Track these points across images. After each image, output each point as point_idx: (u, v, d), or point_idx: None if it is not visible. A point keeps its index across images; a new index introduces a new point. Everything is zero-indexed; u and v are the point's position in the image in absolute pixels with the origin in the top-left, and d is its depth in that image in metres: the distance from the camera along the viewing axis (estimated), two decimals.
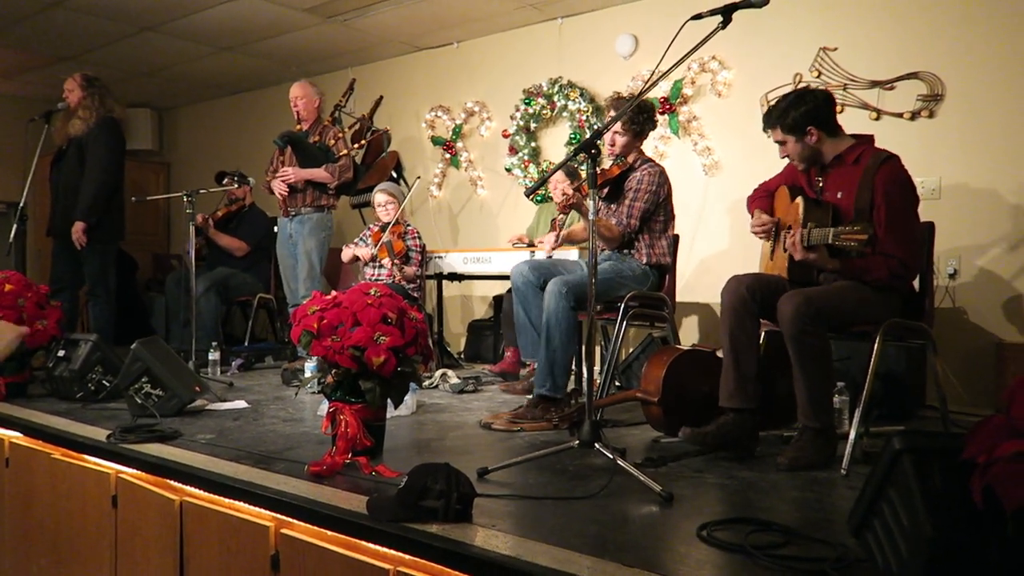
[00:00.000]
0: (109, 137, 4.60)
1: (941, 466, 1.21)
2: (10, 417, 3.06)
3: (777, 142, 2.67)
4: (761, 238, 2.84)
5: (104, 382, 3.42)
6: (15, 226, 4.55)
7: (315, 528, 1.89)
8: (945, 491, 1.17)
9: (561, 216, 4.53)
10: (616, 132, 3.35)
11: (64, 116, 4.69)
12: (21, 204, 4.67)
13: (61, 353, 3.52)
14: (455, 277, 4.95)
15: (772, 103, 2.75)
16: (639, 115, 3.35)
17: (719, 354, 2.68)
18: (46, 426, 2.88)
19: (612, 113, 3.31)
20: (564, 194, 3.16)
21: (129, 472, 2.45)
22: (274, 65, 6.65)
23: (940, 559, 1.14)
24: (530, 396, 3.18)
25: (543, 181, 2.31)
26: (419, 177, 5.25)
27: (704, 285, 4.74)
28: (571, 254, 3.91)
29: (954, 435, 1.27)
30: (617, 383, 3.96)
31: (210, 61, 6.55)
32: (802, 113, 2.58)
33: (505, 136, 5.66)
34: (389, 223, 4.61)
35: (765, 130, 2.71)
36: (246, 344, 5.35)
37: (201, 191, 4.33)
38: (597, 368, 4.06)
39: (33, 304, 3.62)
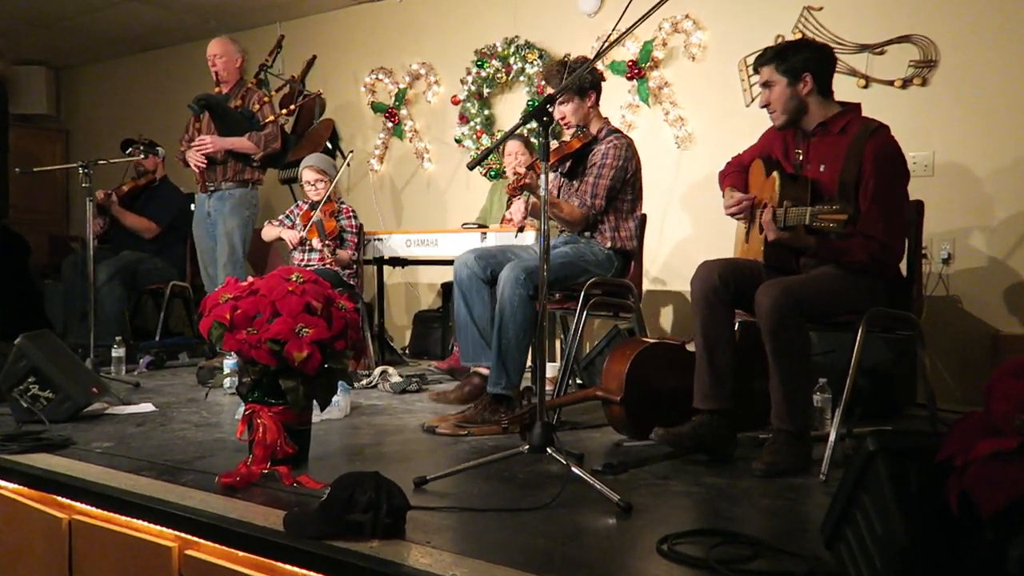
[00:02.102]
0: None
1: (918, 469, 1.23)
2: None
3: (763, 84, 2.69)
4: (739, 219, 2.86)
5: None
6: None
7: (225, 548, 1.86)
8: (921, 496, 1.19)
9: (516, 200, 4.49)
10: (559, 103, 3.35)
11: None
12: None
13: None
14: (398, 262, 4.92)
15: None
16: (575, 72, 3.32)
17: (690, 347, 2.70)
18: None
19: (548, 86, 3.30)
20: (515, 173, 3.14)
21: (9, 487, 2.38)
22: (190, 18, 6.53)
23: (914, 570, 1.16)
24: (464, 407, 3.18)
25: (487, 153, 2.30)
26: (352, 151, 5.20)
27: (675, 271, 4.78)
28: (527, 238, 3.90)
29: (933, 434, 1.29)
30: (579, 380, 3.98)
31: (115, 12, 6.40)
32: (803, 58, 2.61)
33: (455, 103, 5.63)
34: (319, 202, 4.56)
35: (756, 69, 2.73)
36: (157, 339, 5.25)
37: (101, 162, 4.23)
38: (556, 364, 4.07)
39: None
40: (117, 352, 4.30)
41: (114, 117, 7.62)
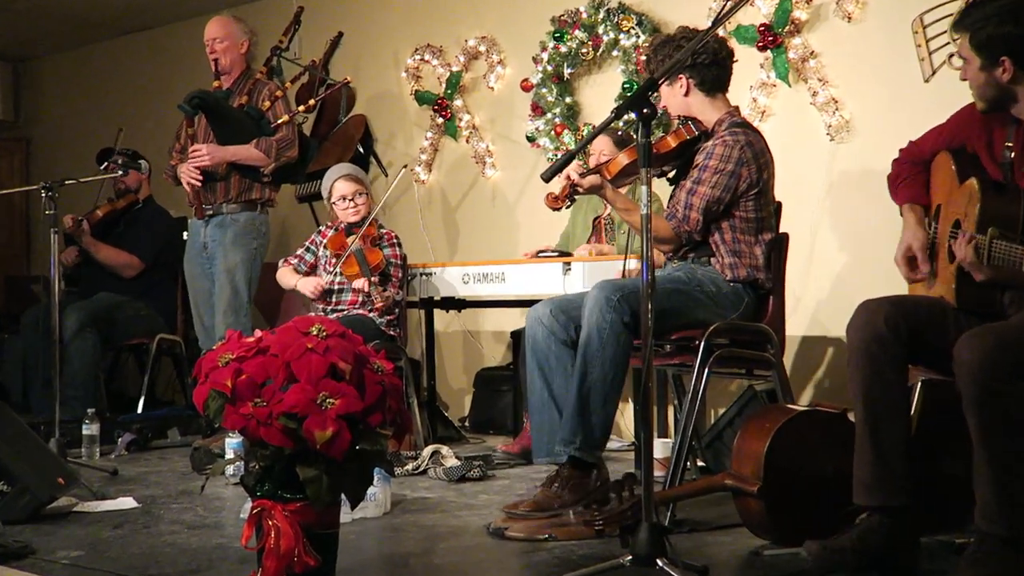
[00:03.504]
0: None
1: None
2: None
3: (959, 56, 2.66)
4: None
5: None
6: None
7: None
8: None
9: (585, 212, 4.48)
10: (665, 84, 3.34)
11: None
12: None
13: None
14: (453, 304, 4.95)
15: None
16: (698, 55, 3.32)
17: (852, 417, 2.65)
18: None
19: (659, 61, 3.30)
20: (567, 178, 3.13)
21: None
22: None
23: None
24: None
25: (570, 157, 2.31)
26: (405, 166, 5.21)
27: (831, 310, 4.69)
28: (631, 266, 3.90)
29: None
30: (700, 463, 3.94)
31: None
32: (1004, 34, 2.57)
33: (526, 89, 5.68)
34: (357, 223, 4.61)
35: (952, 35, 2.70)
36: (140, 411, 5.38)
37: (69, 181, 4.38)
38: (669, 441, 4.03)
39: None
40: (89, 429, 4.41)
41: (86, 121, 7.91)
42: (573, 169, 3.09)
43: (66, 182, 4.31)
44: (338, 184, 4.70)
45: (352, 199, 4.65)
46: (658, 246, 3.38)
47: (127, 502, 3.42)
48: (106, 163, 5.48)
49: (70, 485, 3.31)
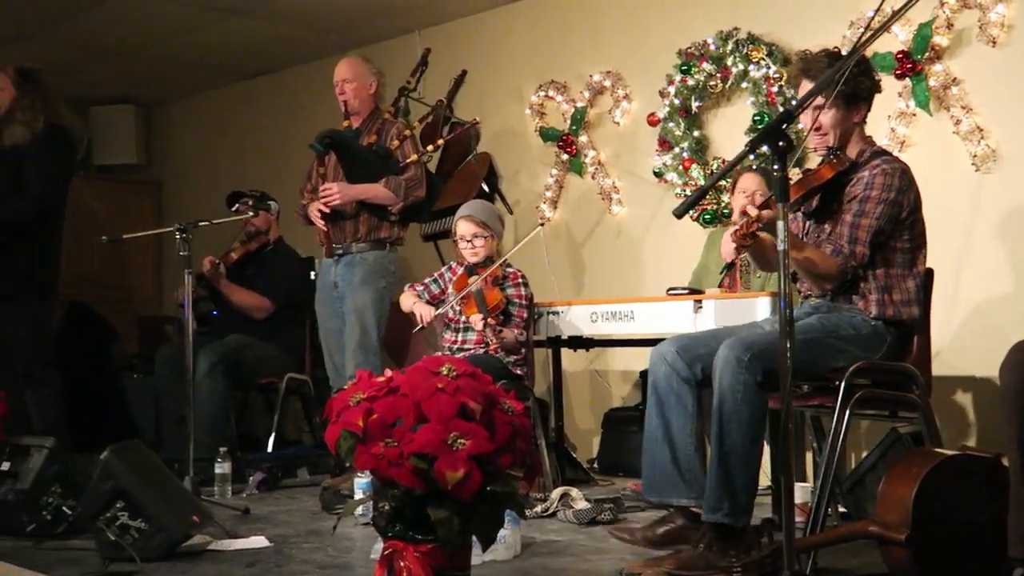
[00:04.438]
0: (59, 151, 4.91)
1: None
2: None
3: None
4: None
5: (64, 508, 3.59)
6: None
7: None
8: None
9: (739, 256, 4.36)
10: (816, 107, 3.29)
11: None
12: None
13: (5, 466, 3.72)
14: (580, 343, 4.94)
15: None
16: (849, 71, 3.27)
17: (1006, 462, 2.57)
18: None
19: (805, 82, 3.26)
20: (744, 213, 3.05)
21: None
22: (305, 33, 6.95)
23: None
24: (657, 552, 3.13)
25: (701, 194, 2.31)
26: (542, 224, 5.14)
27: (980, 350, 4.55)
28: (759, 305, 3.84)
29: None
30: (842, 509, 3.85)
31: (212, 33, 6.90)
32: None
33: (652, 123, 5.68)
34: (478, 264, 4.66)
35: None
36: (270, 450, 5.50)
37: (203, 223, 4.53)
38: (808, 486, 3.95)
39: None
40: (221, 468, 4.52)
41: (214, 163, 8.19)
42: (746, 204, 3.02)
43: (199, 223, 4.47)
44: (459, 224, 4.74)
45: (471, 241, 4.68)
46: (820, 283, 3.33)
47: (259, 541, 3.51)
48: (237, 204, 5.64)
49: (204, 523, 3.40)
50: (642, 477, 3.37)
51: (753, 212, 2.95)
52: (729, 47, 5.34)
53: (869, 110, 3.40)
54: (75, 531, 3.54)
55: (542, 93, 6.21)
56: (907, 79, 4.79)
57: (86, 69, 7.42)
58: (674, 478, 3.25)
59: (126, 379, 7.05)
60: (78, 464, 3.71)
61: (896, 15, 2.12)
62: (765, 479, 3.90)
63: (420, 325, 4.63)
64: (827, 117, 3.31)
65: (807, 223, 3.49)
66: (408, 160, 4.87)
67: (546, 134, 6.20)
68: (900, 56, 4.78)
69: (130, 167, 8.60)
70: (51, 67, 5.44)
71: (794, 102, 4.30)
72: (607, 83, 5.93)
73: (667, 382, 3.27)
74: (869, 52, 4.77)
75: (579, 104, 6.05)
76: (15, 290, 4.84)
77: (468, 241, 4.69)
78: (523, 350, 4.63)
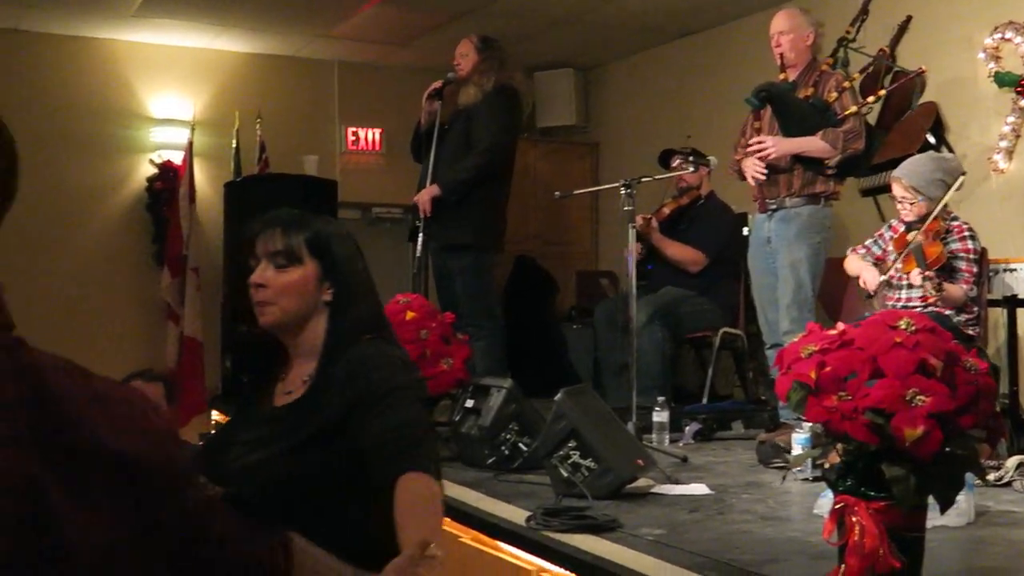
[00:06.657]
0: (506, 109, 5.33)
1: None
2: None
3: None
4: None
5: (520, 444, 3.87)
6: (420, 236, 5.38)
7: None
8: None
9: None
10: None
11: (453, 89, 5.52)
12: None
13: (469, 404, 4.06)
14: None
15: None
16: None
17: None
18: (457, 501, 3.34)
19: None
20: None
21: (554, 572, 2.73)
22: None
23: None
24: None
25: None
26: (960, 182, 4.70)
27: None
28: None
29: None
30: None
31: None
32: None
33: None
34: (915, 223, 4.45)
35: None
36: (704, 402, 5.58)
37: (645, 179, 4.66)
38: None
39: (437, 337, 4.24)
40: (660, 416, 4.63)
41: (646, 123, 8.36)
42: None
43: (642, 179, 4.60)
44: (892, 184, 4.60)
45: (900, 202, 4.54)
46: None
47: (700, 488, 3.58)
48: (675, 159, 5.75)
49: (647, 467, 3.53)
50: None
51: None
52: None
53: None
54: (529, 466, 3.80)
55: (998, 35, 5.77)
56: None
57: (534, 36, 7.81)
58: None
59: (565, 329, 7.40)
60: (532, 406, 3.96)
61: None
62: None
63: (868, 292, 4.51)
64: None
65: None
66: (846, 112, 4.72)
67: (1001, 79, 5.74)
68: None
69: (569, 128, 8.96)
70: (504, 36, 5.86)
71: None
72: None
73: None
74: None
75: None
76: (474, 241, 5.26)
77: (899, 201, 4.55)
78: (976, 308, 4.38)
